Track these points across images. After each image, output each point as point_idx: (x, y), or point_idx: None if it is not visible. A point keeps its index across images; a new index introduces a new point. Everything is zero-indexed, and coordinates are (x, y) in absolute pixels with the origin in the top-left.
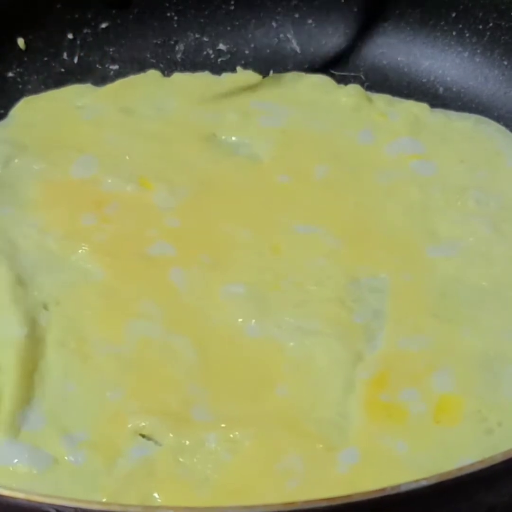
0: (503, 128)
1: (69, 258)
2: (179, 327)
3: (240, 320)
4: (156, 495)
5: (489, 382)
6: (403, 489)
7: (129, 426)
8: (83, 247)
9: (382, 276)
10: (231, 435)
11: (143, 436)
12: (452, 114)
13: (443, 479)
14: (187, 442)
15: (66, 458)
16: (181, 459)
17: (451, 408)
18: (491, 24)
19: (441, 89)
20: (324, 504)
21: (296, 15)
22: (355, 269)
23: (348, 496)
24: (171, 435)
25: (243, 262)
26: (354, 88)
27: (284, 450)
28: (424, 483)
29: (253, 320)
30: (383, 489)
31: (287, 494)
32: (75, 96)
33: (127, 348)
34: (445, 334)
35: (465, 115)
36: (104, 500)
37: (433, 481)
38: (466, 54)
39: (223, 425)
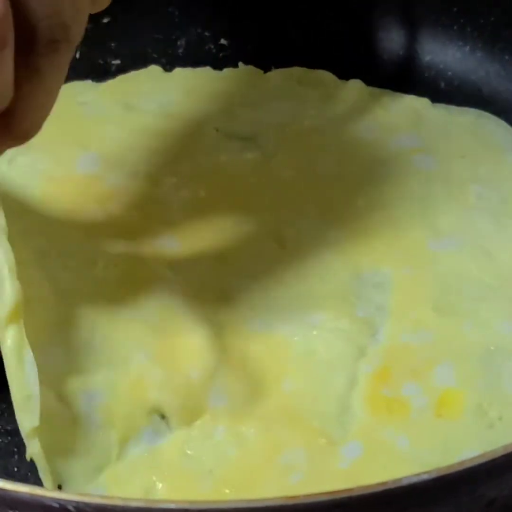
0: (504, 123)
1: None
2: (194, 305)
3: (246, 310)
4: (159, 485)
5: (490, 377)
6: (405, 482)
7: (151, 395)
8: (96, 239)
9: (384, 271)
10: (237, 428)
11: (159, 415)
12: (453, 109)
13: (445, 473)
14: (196, 434)
15: (82, 420)
16: (188, 451)
17: (452, 402)
18: (492, 19)
19: (442, 84)
20: (325, 498)
21: (298, 10)
22: (358, 264)
23: (350, 489)
24: (185, 422)
25: (249, 256)
26: (355, 83)
27: (287, 444)
28: (425, 477)
29: (258, 313)
30: (384, 483)
31: (289, 488)
32: (77, 93)
33: (150, 312)
34: (446, 328)
35: (466, 109)
36: (107, 483)
37: (434, 475)
38: (467, 48)
39: (233, 416)
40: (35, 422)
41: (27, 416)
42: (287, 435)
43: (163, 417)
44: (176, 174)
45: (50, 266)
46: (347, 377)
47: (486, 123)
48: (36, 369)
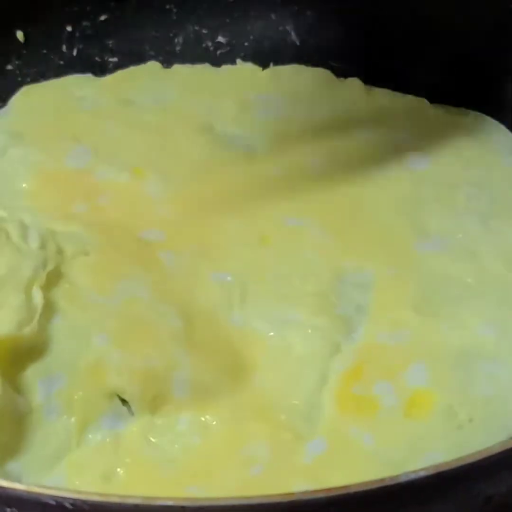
0: (501, 126)
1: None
2: (166, 297)
3: (224, 304)
4: (119, 470)
5: (462, 378)
6: (402, 479)
7: (109, 379)
8: (77, 228)
9: (368, 271)
10: (203, 418)
11: (120, 399)
12: (451, 109)
13: (442, 470)
14: (159, 422)
15: (40, 411)
16: (151, 439)
17: (423, 402)
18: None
19: (439, 82)
20: (322, 495)
21: (296, 8)
22: (341, 263)
23: (346, 486)
24: (146, 409)
25: (232, 252)
26: (353, 82)
27: (252, 436)
28: (423, 473)
29: (237, 308)
30: (382, 480)
31: (248, 480)
32: (75, 86)
33: (116, 301)
34: (424, 329)
35: (464, 111)
36: (66, 471)
37: (431, 472)
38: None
39: (198, 406)
40: None
41: None
42: (252, 428)
43: (124, 402)
44: (167, 170)
45: (10, 248)
46: (319, 374)
47: (483, 125)
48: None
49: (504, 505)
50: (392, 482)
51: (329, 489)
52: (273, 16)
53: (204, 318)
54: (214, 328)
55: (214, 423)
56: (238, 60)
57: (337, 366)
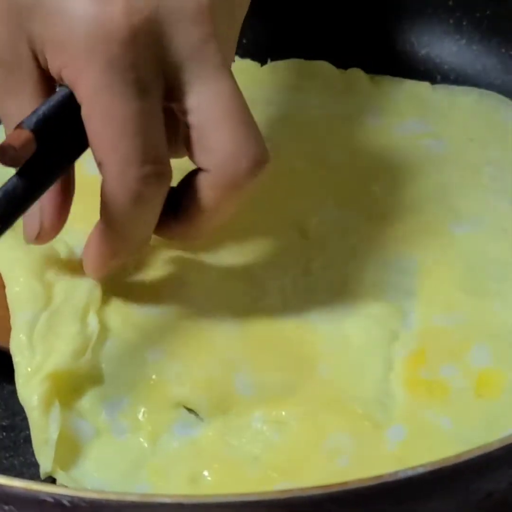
0: (507, 100)
1: None
2: (215, 301)
3: (275, 302)
4: (205, 473)
5: None
6: (401, 476)
7: (172, 393)
8: None
9: (409, 255)
10: (277, 415)
11: (186, 408)
12: (455, 89)
13: (441, 466)
14: (233, 424)
15: (108, 431)
16: (228, 440)
17: (492, 382)
18: (488, 12)
19: (438, 78)
20: (320, 491)
21: (294, 3)
22: (383, 249)
23: (345, 483)
24: (216, 414)
25: (274, 247)
26: (354, 72)
27: (331, 428)
28: (421, 470)
29: (288, 303)
30: (380, 476)
31: (338, 471)
32: None
33: (166, 310)
34: (476, 309)
35: (468, 89)
36: (149, 478)
37: (430, 468)
38: (463, 42)
39: (267, 403)
40: (48, 468)
41: (42, 460)
42: (330, 420)
43: (190, 410)
44: (187, 168)
45: (53, 272)
46: (383, 361)
47: (490, 102)
48: (59, 421)
49: (504, 503)
50: (391, 479)
51: (326, 486)
52: (271, 12)
53: (259, 315)
54: (270, 324)
55: (290, 418)
56: (236, 57)
57: (399, 352)
